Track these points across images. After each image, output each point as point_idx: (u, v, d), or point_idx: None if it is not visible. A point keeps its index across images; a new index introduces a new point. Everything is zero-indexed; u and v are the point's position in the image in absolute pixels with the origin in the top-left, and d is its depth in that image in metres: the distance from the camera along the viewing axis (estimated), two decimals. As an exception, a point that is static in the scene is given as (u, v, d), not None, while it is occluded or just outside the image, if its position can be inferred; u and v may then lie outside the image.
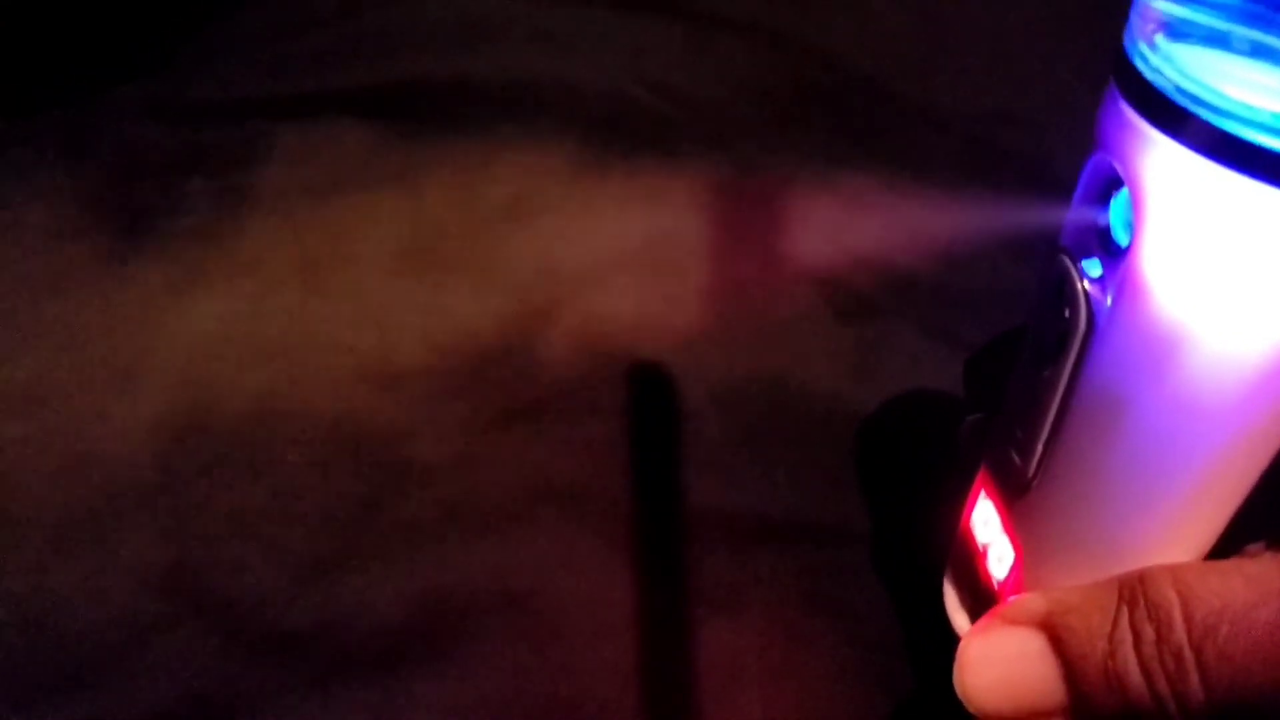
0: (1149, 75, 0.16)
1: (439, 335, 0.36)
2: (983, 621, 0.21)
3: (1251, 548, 0.19)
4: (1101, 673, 0.18)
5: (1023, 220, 0.21)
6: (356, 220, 0.40)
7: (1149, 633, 0.18)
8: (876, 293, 0.37)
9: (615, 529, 0.30)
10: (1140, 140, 0.17)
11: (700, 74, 0.47)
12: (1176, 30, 0.16)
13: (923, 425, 0.33)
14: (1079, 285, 0.18)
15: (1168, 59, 0.16)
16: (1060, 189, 0.19)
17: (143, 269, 0.38)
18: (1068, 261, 0.18)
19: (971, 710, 0.20)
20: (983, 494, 0.22)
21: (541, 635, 0.28)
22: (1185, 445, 0.18)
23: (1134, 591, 0.18)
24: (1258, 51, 0.16)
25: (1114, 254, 0.18)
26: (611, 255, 0.39)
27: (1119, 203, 0.18)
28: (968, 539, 0.23)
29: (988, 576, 0.22)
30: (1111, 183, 0.18)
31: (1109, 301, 0.18)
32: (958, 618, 0.24)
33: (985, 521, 0.22)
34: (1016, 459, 0.20)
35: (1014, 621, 0.20)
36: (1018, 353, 0.21)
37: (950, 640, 0.23)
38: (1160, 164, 0.16)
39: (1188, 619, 0.18)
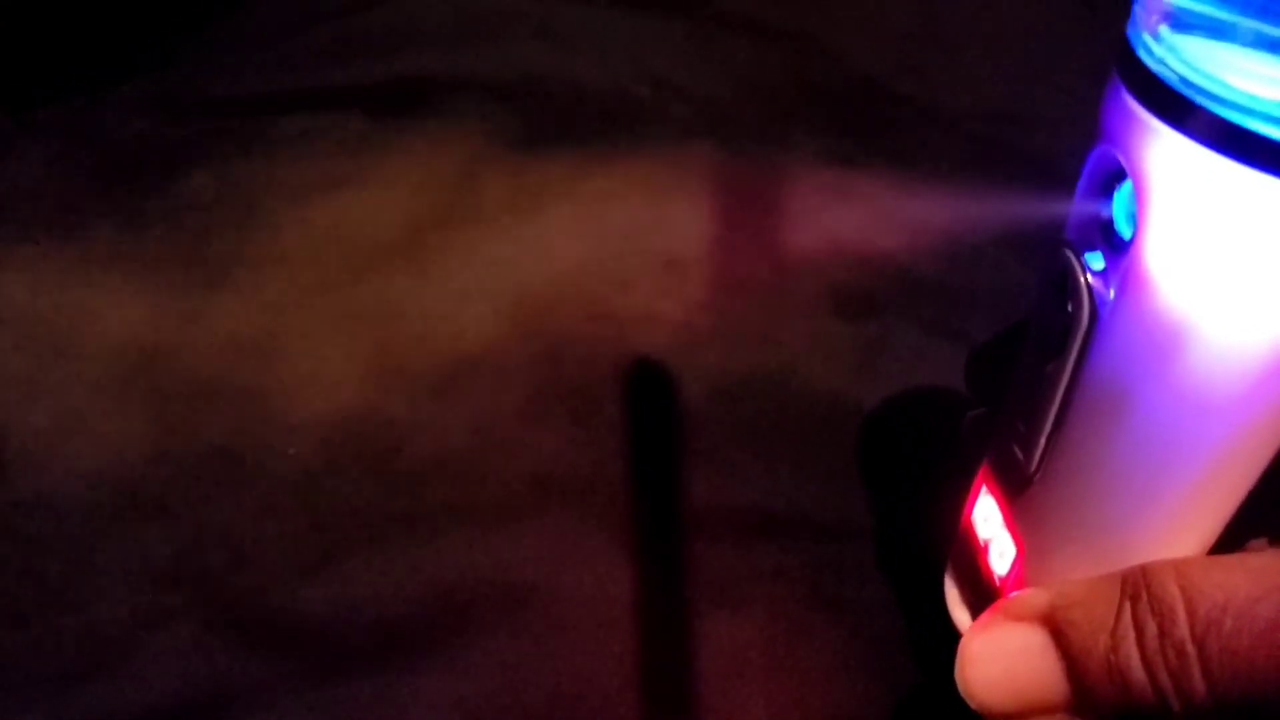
0: (1153, 66, 0.16)
1: (439, 331, 0.36)
2: (984, 617, 0.21)
3: (1255, 543, 0.19)
4: (1104, 667, 0.18)
5: (1025, 218, 0.21)
6: (358, 216, 0.40)
7: (1152, 627, 0.18)
8: (879, 289, 0.37)
9: (618, 524, 0.30)
10: (1144, 131, 0.16)
11: (703, 71, 0.47)
12: (1180, 21, 0.16)
13: (925, 421, 0.33)
14: (1082, 278, 0.18)
15: (1172, 49, 0.16)
16: (1064, 187, 0.19)
17: (145, 265, 0.38)
18: (1070, 255, 0.18)
19: (974, 706, 0.20)
20: (984, 489, 0.22)
21: (544, 630, 0.28)
22: (1188, 439, 0.18)
23: (1137, 586, 0.18)
24: (1262, 42, 0.15)
25: (1117, 247, 0.18)
26: (614, 252, 0.39)
27: (1122, 195, 0.18)
28: (969, 535, 0.23)
29: (989, 572, 0.22)
30: (1115, 175, 0.18)
31: (1112, 295, 0.18)
32: (959, 613, 0.24)
33: (987, 517, 0.22)
34: (1019, 454, 0.20)
35: (1016, 616, 0.20)
36: (1020, 347, 0.21)
37: (952, 636, 0.23)
38: (1164, 155, 0.16)
39: (1191, 613, 0.18)
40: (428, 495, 0.31)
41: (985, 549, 0.22)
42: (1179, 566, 0.18)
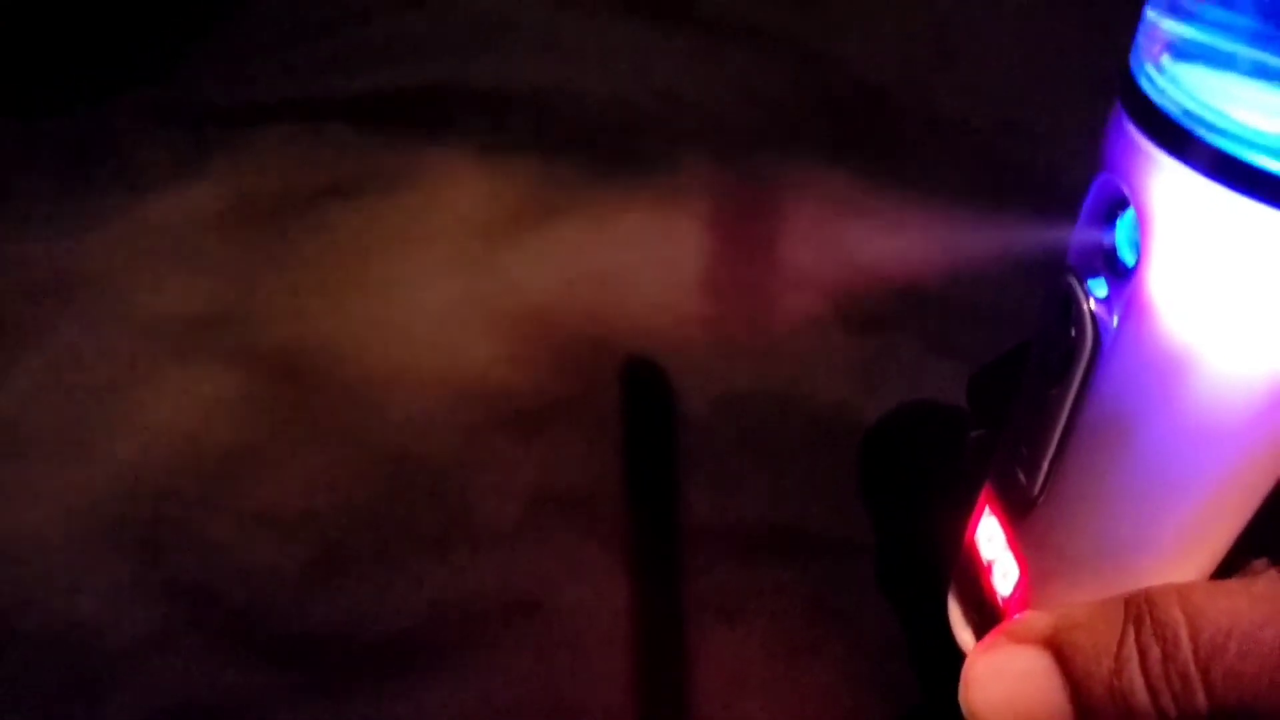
0: (1155, 97, 0.16)
1: (444, 342, 0.36)
2: (988, 639, 0.21)
3: (1256, 563, 0.19)
4: (1107, 691, 0.18)
5: (1030, 236, 0.21)
6: (361, 226, 0.41)
7: (1155, 652, 0.18)
8: (882, 305, 0.37)
9: (621, 538, 0.30)
10: (1146, 162, 0.17)
11: (708, 83, 0.47)
12: (1183, 51, 0.16)
13: (927, 438, 0.33)
14: (1085, 305, 0.18)
15: (1174, 80, 0.16)
16: (1068, 202, 0.19)
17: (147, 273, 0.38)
18: (1074, 281, 0.18)
19: (976, 727, 0.20)
20: (987, 510, 0.22)
21: (547, 643, 0.28)
22: (1191, 466, 0.18)
23: (1140, 610, 0.18)
24: (1264, 73, 0.16)
25: (1120, 274, 0.18)
26: (618, 263, 0.39)
27: (1125, 223, 0.18)
28: (972, 555, 0.23)
29: (993, 593, 0.22)
30: (1117, 203, 0.18)
31: (1115, 322, 0.18)
32: (962, 633, 0.24)
33: (990, 538, 0.22)
34: (1021, 477, 0.20)
35: (1020, 639, 0.20)
36: (1023, 370, 0.21)
37: (954, 654, 0.23)
38: (1166, 185, 0.16)
39: (1194, 638, 0.18)
40: (431, 509, 0.31)
41: (989, 570, 0.22)
42: (1183, 591, 0.18)
